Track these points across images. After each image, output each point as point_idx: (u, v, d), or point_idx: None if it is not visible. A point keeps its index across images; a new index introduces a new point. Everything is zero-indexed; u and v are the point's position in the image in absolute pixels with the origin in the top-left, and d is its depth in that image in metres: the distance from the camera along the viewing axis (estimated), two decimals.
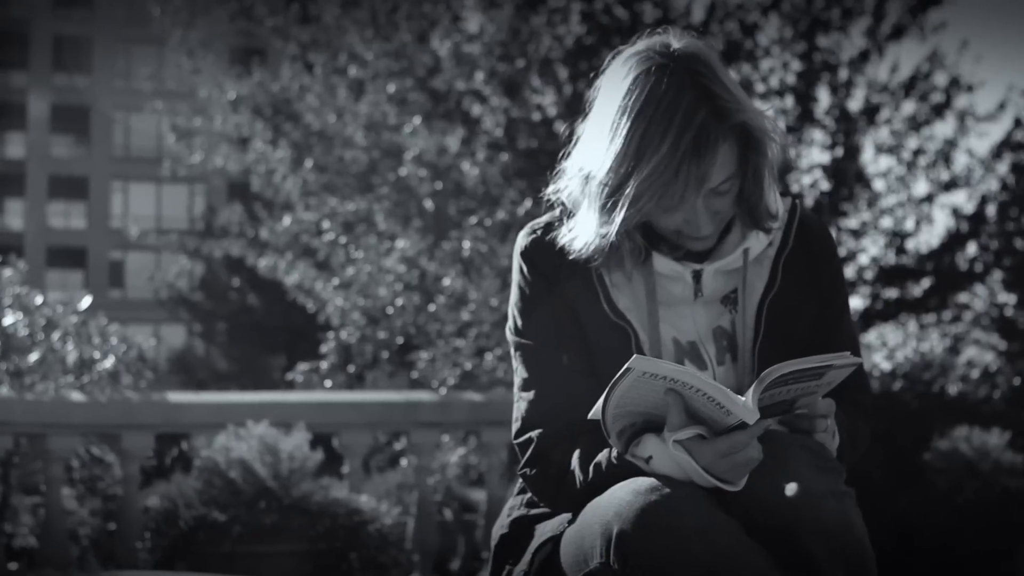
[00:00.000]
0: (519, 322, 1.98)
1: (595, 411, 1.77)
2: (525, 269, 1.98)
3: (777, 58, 9.80)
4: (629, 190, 1.78)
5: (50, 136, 41.88)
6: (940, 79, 10.01)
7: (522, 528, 1.97)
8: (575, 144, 1.90)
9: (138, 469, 4.79)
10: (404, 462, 6.64)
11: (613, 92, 1.83)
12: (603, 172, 1.81)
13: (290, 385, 8.03)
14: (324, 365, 7.45)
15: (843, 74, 9.91)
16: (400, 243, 8.25)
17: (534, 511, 1.98)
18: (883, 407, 6.89)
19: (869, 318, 10.16)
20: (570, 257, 1.91)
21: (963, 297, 10.52)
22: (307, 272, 9.11)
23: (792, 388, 1.79)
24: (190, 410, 4.88)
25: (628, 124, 1.78)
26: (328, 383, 7.32)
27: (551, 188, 1.94)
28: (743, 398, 1.73)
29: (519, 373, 1.98)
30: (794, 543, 1.74)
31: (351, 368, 7.33)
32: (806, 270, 2.00)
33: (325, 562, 4.34)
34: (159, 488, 4.98)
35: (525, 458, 1.95)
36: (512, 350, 2.01)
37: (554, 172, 1.94)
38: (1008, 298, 10.64)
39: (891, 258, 10.33)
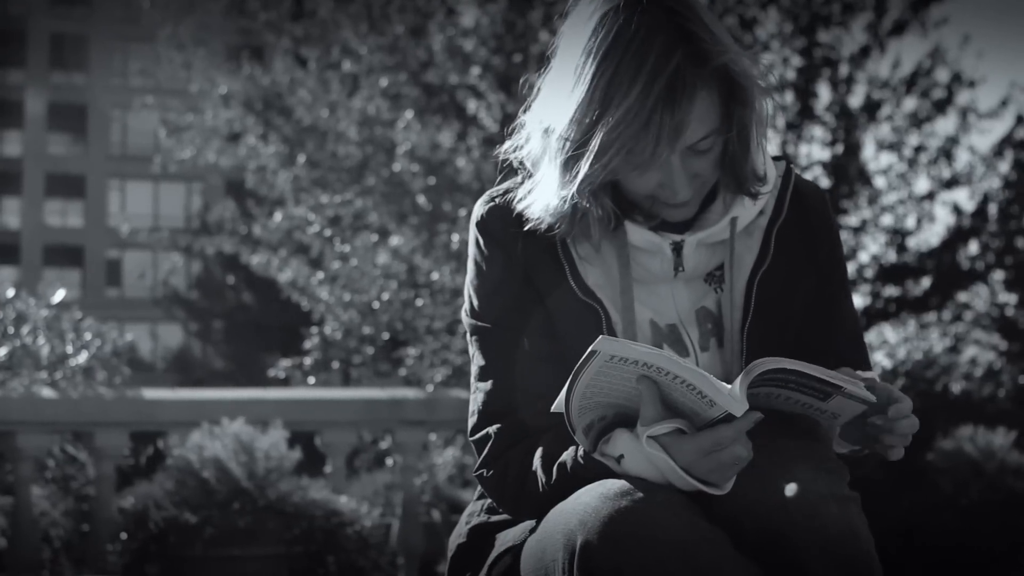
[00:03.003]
0: (475, 302, 1.77)
1: (558, 403, 1.56)
2: (482, 242, 1.77)
3: (777, 53, 9.76)
4: (594, 143, 1.57)
5: (47, 134, 41.78)
6: (942, 75, 9.97)
7: (481, 537, 1.76)
8: (535, 96, 1.70)
9: (112, 468, 4.63)
10: (390, 462, 6.48)
11: (577, 35, 1.62)
12: (564, 123, 1.60)
13: (284, 382, 7.87)
14: (307, 361, 7.28)
15: (844, 70, 9.90)
16: (394, 240, 8.12)
17: (495, 518, 1.76)
18: None
19: (869, 317, 10.05)
20: (530, 225, 1.70)
21: (964, 296, 10.44)
22: (300, 269, 8.98)
23: (791, 398, 1.58)
24: (166, 407, 4.71)
25: (593, 68, 1.57)
26: (311, 380, 7.15)
27: (507, 145, 1.72)
28: (729, 386, 1.51)
29: (476, 361, 1.77)
30: (789, 555, 1.53)
31: (335, 364, 7.16)
32: (801, 241, 1.79)
33: (301, 565, 4.17)
34: (137, 489, 4.81)
35: (481, 457, 1.74)
36: (468, 335, 1.80)
37: (511, 128, 1.73)
38: (1009, 298, 10.56)
39: (891, 256, 10.25)
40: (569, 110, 1.59)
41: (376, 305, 7.13)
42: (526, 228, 1.71)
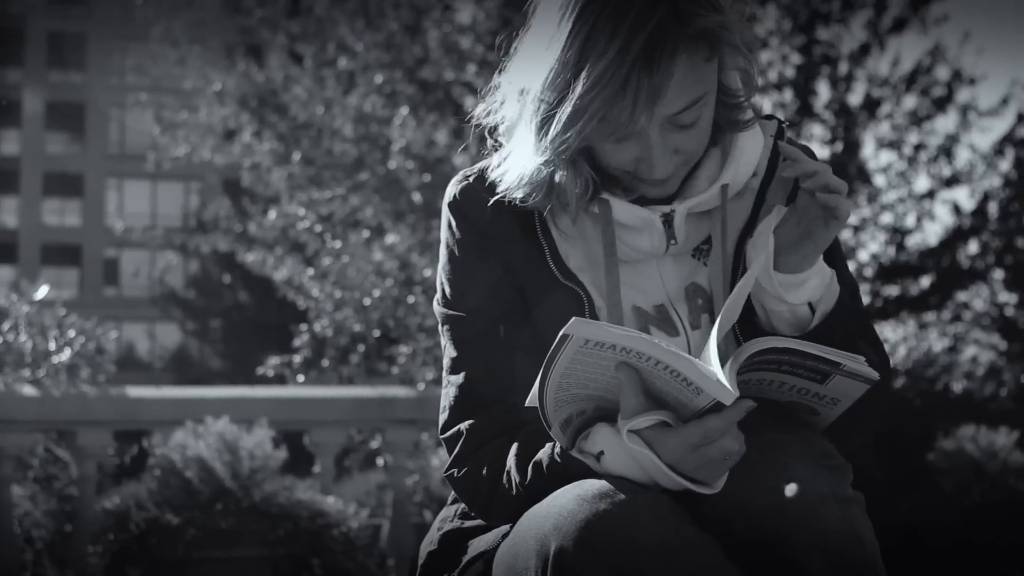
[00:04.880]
0: (447, 289, 1.65)
1: (532, 397, 1.42)
2: (454, 224, 1.65)
3: (776, 51, 9.73)
4: (567, 106, 1.45)
5: (45, 133, 41.72)
6: (942, 73, 9.92)
7: (454, 544, 1.63)
8: (512, 58, 1.57)
9: (95, 468, 4.53)
10: (380, 461, 6.40)
11: None
12: (540, 84, 1.48)
13: (280, 381, 7.78)
14: (297, 359, 7.19)
15: (843, 67, 9.86)
16: (390, 238, 8.05)
17: (469, 523, 1.63)
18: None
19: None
20: (506, 199, 1.58)
21: (963, 296, 10.39)
22: (295, 267, 8.91)
23: (785, 383, 1.44)
24: (150, 405, 4.61)
25: (570, 25, 1.46)
26: (300, 378, 7.05)
27: (479, 108, 1.61)
28: (717, 371, 1.36)
29: (447, 352, 1.65)
30: (786, 560, 1.39)
31: (325, 362, 7.06)
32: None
33: (285, 568, 4.07)
34: (122, 489, 4.72)
35: (452, 456, 1.61)
36: (440, 325, 1.68)
37: (485, 90, 1.61)
38: (1008, 298, 10.51)
39: (891, 254, 10.19)
40: (543, 70, 1.48)
41: (367, 302, 7.03)
42: (502, 208, 1.59)
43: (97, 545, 4.17)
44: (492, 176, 1.60)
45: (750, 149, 1.63)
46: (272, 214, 9.50)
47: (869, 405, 1.56)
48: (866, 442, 1.65)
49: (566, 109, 1.45)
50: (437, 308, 1.68)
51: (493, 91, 1.60)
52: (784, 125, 1.69)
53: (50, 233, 41.87)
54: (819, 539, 1.39)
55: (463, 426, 1.60)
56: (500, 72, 1.59)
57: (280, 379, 7.66)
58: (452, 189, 1.67)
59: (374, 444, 6.62)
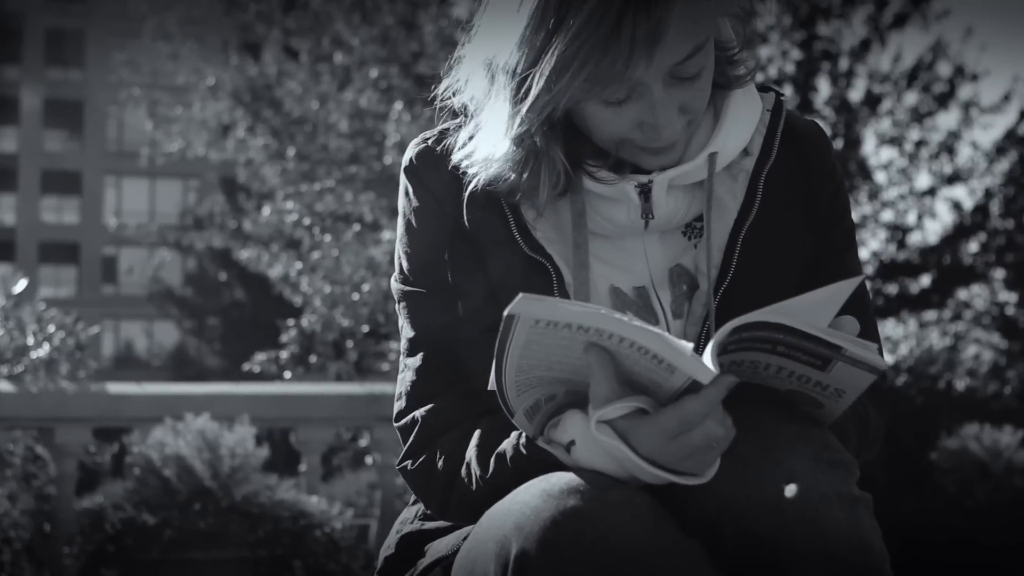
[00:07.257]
0: (404, 264, 1.49)
1: (492, 381, 1.26)
2: (411, 191, 1.49)
3: (776, 46, 9.68)
4: (550, 57, 1.26)
5: (43, 130, 41.65)
6: (943, 69, 9.86)
7: (413, 547, 1.47)
8: (476, 30, 1.37)
9: (75, 466, 4.41)
10: (369, 460, 6.28)
11: None
12: (512, 48, 1.30)
13: (278, 377, 7.68)
14: (284, 355, 7.06)
15: (844, 63, 9.81)
16: (386, 234, 7.96)
17: (430, 525, 1.47)
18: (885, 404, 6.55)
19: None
20: (470, 172, 1.41)
21: (964, 294, 10.33)
22: (290, 264, 8.82)
23: (783, 368, 1.26)
24: (130, 402, 4.49)
25: None
26: (288, 374, 6.93)
27: (443, 86, 1.42)
28: (691, 345, 1.17)
29: (404, 333, 1.49)
30: (781, 568, 1.22)
31: (313, 358, 6.94)
32: (797, 188, 1.49)
33: (266, 570, 3.95)
34: (106, 488, 4.59)
35: (407, 446, 1.45)
36: (397, 303, 1.52)
37: (447, 66, 1.43)
38: (1009, 297, 10.45)
39: (892, 252, 10.14)
40: (516, 30, 1.30)
41: (356, 297, 6.91)
42: (464, 175, 1.43)
43: (72, 546, 4.05)
44: (457, 158, 1.43)
45: (745, 116, 1.47)
46: (266, 210, 9.42)
47: (874, 432, 1.44)
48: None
49: (548, 63, 1.27)
50: (394, 285, 1.53)
51: (456, 65, 1.42)
52: (782, 98, 1.53)
53: (48, 231, 41.80)
54: (819, 544, 1.22)
55: (419, 413, 1.44)
56: (463, 44, 1.41)
57: (269, 376, 7.55)
58: (409, 153, 1.51)
59: (363, 442, 6.50)
